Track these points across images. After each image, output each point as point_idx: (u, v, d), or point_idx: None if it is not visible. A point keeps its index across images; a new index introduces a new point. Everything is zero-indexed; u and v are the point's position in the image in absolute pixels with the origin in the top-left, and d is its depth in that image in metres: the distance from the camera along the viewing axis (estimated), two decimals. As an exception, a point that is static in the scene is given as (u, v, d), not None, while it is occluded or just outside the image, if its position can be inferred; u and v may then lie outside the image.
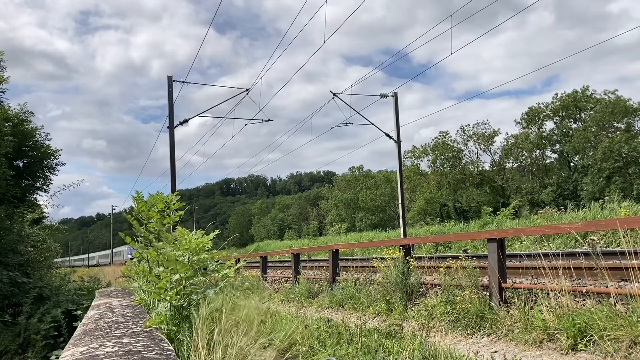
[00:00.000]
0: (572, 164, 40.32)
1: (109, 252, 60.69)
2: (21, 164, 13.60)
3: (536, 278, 6.70)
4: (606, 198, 20.77)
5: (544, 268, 5.59)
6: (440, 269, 7.01)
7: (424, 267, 7.68)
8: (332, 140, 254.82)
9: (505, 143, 44.45)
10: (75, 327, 4.19)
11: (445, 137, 47.40)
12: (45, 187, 14.58)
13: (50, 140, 14.43)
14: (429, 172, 49.26)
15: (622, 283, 5.52)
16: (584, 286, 5.46)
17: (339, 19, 17.14)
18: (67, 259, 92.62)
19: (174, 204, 5.61)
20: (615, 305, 4.55)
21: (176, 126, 21.61)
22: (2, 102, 13.06)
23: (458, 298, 6.05)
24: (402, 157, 28.72)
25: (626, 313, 4.31)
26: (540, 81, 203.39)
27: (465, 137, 46.42)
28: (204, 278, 4.60)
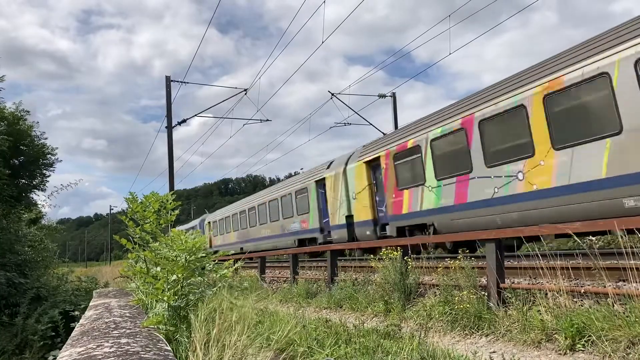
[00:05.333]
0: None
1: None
2: (17, 163, 13.57)
3: (534, 278, 6.70)
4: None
5: (542, 268, 5.59)
6: (439, 269, 7.00)
7: (422, 267, 7.67)
8: (332, 140, 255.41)
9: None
10: (73, 328, 4.18)
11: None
12: (42, 186, 14.56)
13: (46, 138, 14.43)
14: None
15: (620, 283, 5.53)
16: (582, 286, 5.47)
17: (341, 18, 17.16)
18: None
19: (170, 203, 5.60)
20: (613, 306, 4.55)
21: (174, 126, 21.62)
22: None
23: (456, 298, 6.04)
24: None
25: (624, 313, 4.31)
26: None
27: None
28: (201, 278, 4.59)
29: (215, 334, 3.53)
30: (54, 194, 15.04)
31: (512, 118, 9.99)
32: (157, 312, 4.09)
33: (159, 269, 4.42)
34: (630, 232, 4.83)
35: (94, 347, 2.61)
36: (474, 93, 11.95)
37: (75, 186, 16.05)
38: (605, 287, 5.00)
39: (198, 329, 3.54)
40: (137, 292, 5.40)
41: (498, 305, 5.75)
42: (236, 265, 6.04)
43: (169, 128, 21.18)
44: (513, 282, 6.28)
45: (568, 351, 4.38)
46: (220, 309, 4.01)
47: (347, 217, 16.32)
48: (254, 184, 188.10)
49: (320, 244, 17.94)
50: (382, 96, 23.86)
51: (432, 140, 12.33)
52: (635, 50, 7.87)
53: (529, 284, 6.30)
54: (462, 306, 5.84)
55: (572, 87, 8.79)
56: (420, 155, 12.77)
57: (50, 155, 14.31)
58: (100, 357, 2.36)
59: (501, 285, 5.94)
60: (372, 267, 8.66)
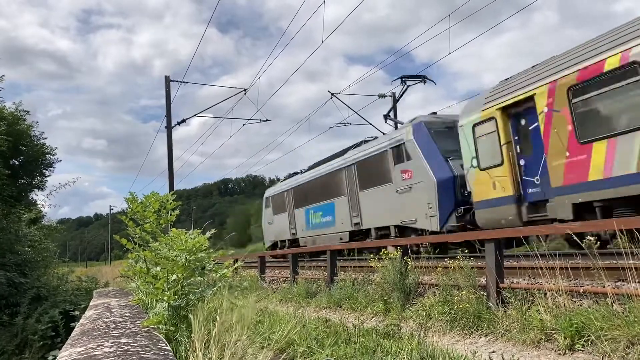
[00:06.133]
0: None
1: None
2: (17, 163, 13.59)
3: (533, 278, 6.71)
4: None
5: (541, 268, 5.60)
6: (438, 269, 7.01)
7: (421, 267, 7.68)
8: (332, 141, 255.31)
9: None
10: (73, 328, 4.19)
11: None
12: (41, 186, 14.58)
13: (45, 138, 14.46)
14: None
15: (619, 283, 5.53)
16: (581, 286, 5.47)
17: (341, 18, 17.16)
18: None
19: (170, 203, 5.60)
20: (612, 306, 4.56)
21: (174, 126, 21.63)
22: None
23: (456, 298, 6.05)
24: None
25: (623, 313, 4.32)
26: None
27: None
28: (201, 278, 4.59)
29: (215, 334, 3.53)
30: (52, 192, 15.07)
31: None
32: (157, 312, 4.09)
33: (159, 268, 4.42)
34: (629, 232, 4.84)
35: (94, 346, 2.62)
36: None
37: (73, 184, 16.08)
38: (604, 287, 5.01)
39: (198, 328, 3.55)
40: (137, 291, 5.40)
41: (497, 305, 5.76)
42: (236, 265, 6.05)
43: (169, 128, 21.19)
44: (512, 282, 6.29)
45: (567, 351, 4.38)
46: (221, 308, 4.01)
47: None
48: (254, 184, 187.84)
49: None
50: (382, 96, 23.85)
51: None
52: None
53: (528, 283, 6.30)
54: (461, 306, 5.84)
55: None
56: None
57: (49, 155, 14.34)
58: (100, 356, 2.37)
59: (500, 285, 5.95)
60: (371, 267, 8.67)
